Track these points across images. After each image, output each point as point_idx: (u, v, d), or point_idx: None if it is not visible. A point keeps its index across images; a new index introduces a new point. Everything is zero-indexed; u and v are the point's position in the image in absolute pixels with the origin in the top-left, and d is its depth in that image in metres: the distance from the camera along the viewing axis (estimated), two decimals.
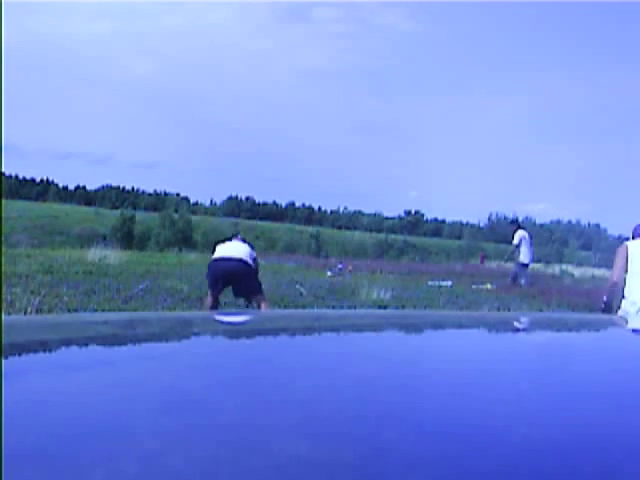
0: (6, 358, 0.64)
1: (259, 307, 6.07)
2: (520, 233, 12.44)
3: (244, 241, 6.45)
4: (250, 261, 6.04)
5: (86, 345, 0.81)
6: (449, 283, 12.92)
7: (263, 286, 6.45)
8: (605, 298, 4.34)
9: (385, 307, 7.78)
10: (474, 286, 12.80)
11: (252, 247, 6.37)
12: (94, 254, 12.29)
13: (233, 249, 6.16)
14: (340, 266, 14.87)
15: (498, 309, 8.50)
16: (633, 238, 4.41)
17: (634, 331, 1.15)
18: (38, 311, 5.77)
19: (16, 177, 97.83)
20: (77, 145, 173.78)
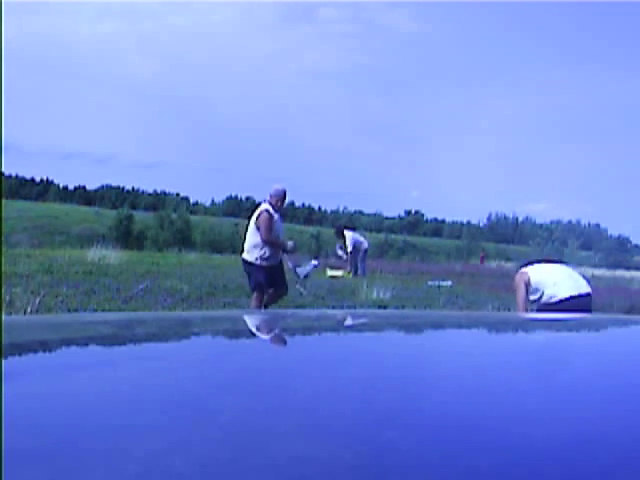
0: (6, 358, 0.64)
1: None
2: (350, 234, 14.04)
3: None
4: (249, 257, 5.94)
5: (86, 345, 0.81)
6: (449, 283, 12.92)
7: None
8: None
9: (385, 307, 7.78)
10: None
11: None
12: (94, 254, 12.29)
13: None
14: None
15: (498, 309, 8.50)
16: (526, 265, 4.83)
17: (629, 330, 1.15)
18: (38, 311, 5.77)
19: (16, 177, 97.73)
20: (79, 145, 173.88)
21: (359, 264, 13.91)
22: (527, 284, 4.57)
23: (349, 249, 13.75)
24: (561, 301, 4.43)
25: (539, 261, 5.03)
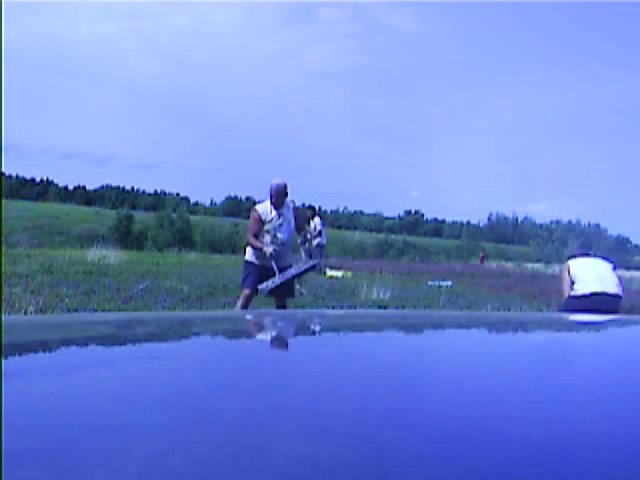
0: (6, 358, 0.64)
1: None
2: (317, 220, 13.52)
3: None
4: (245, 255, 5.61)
5: (86, 345, 0.81)
6: (449, 283, 12.93)
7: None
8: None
9: (385, 307, 7.78)
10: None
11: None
12: (94, 254, 12.29)
13: None
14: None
15: (498, 309, 8.50)
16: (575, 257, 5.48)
17: (629, 330, 1.15)
18: (38, 311, 5.77)
19: (16, 177, 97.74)
20: (79, 145, 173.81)
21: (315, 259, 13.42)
22: (569, 273, 5.18)
23: (312, 234, 13.23)
24: (583, 296, 4.91)
25: (584, 254, 5.54)
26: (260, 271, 5.37)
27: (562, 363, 0.74)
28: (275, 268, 5.26)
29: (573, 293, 5.03)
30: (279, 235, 5.37)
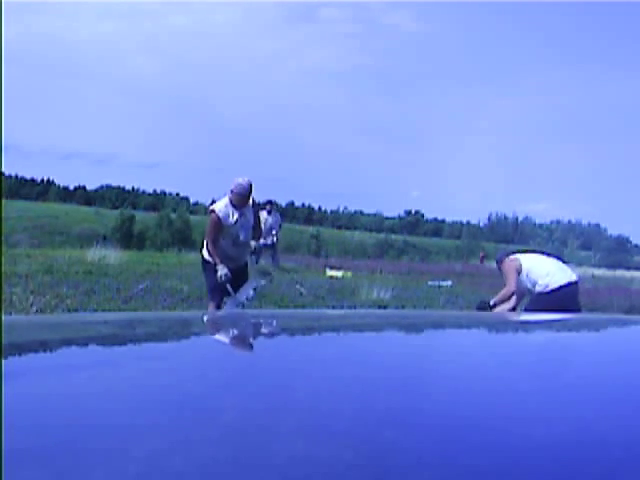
0: (6, 358, 0.64)
1: None
2: (277, 215, 12.86)
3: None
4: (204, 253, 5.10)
5: (86, 345, 0.81)
6: (449, 283, 12.93)
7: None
8: (493, 302, 4.89)
9: (385, 307, 7.78)
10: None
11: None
12: (94, 254, 12.28)
13: None
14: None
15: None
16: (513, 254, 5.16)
17: (629, 330, 1.15)
18: (38, 311, 5.77)
19: (16, 177, 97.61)
20: (79, 145, 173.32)
21: (263, 255, 12.48)
22: (518, 271, 4.83)
23: (270, 230, 11.97)
24: (554, 290, 4.75)
25: (521, 251, 5.30)
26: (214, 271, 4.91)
27: (562, 363, 0.74)
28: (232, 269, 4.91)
29: (541, 290, 4.74)
30: (240, 237, 4.90)
